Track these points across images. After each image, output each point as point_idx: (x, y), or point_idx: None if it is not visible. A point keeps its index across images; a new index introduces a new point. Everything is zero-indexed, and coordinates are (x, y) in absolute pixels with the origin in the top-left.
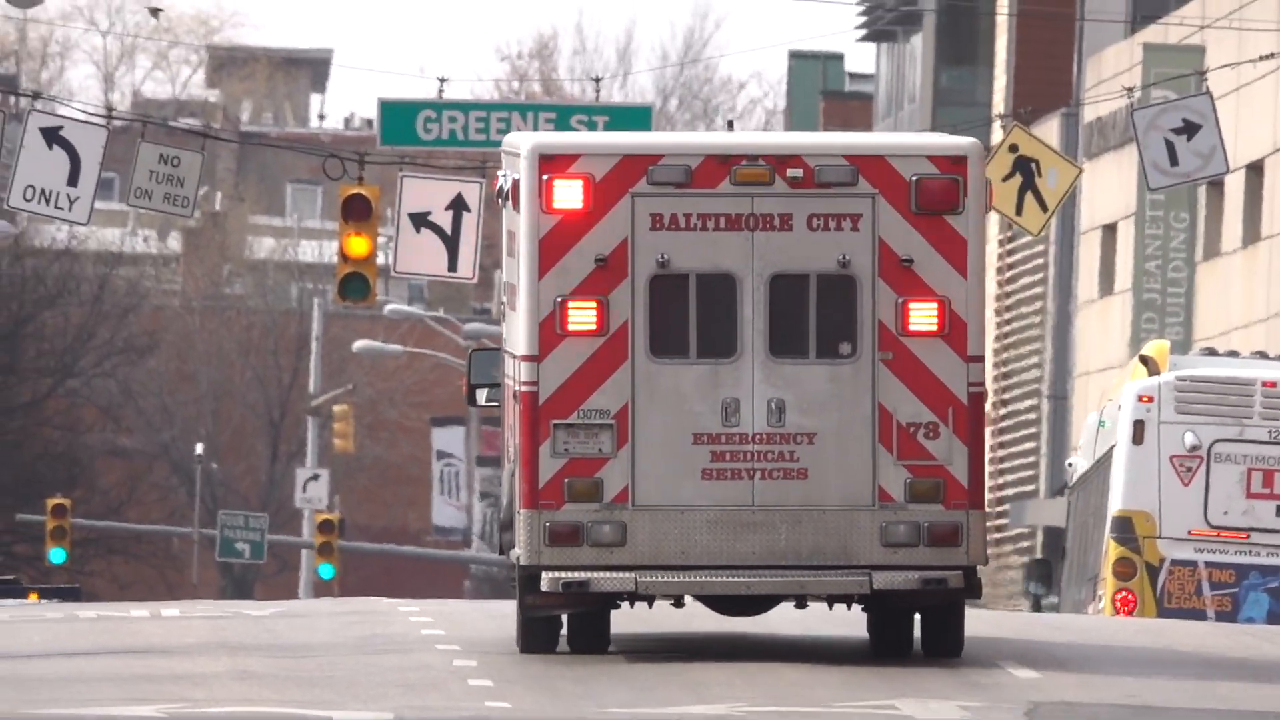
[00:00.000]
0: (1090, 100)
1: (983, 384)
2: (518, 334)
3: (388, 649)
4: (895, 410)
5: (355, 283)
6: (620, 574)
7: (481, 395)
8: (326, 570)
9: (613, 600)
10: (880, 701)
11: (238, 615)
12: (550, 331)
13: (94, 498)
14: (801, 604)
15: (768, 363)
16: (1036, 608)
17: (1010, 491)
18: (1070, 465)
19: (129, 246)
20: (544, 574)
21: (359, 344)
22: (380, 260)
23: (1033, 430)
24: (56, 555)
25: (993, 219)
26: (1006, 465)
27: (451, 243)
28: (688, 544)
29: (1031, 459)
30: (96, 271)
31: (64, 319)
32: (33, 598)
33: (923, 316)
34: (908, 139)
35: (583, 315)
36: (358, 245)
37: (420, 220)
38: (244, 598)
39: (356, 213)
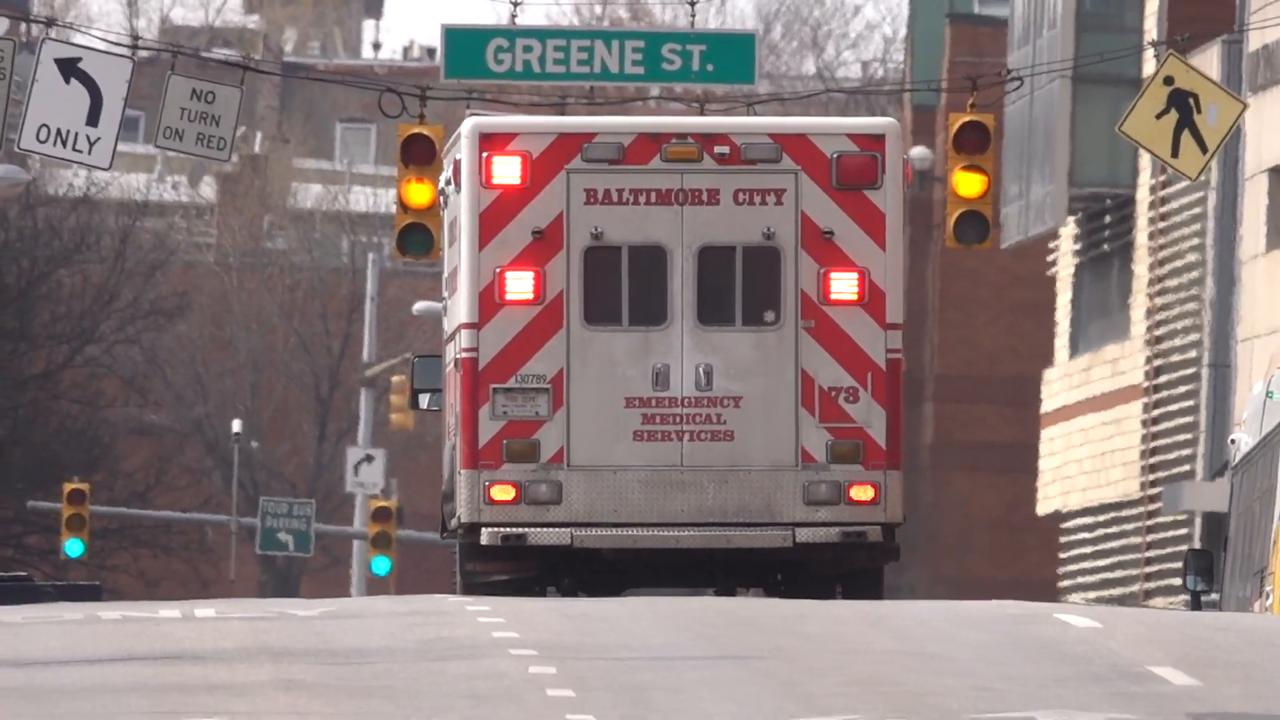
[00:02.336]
0: (1256, 25)
1: (900, 350)
2: (459, 306)
3: (454, 654)
4: (817, 375)
5: (416, 235)
6: (556, 530)
7: (424, 400)
8: (382, 564)
9: (549, 565)
10: (1018, 714)
11: (282, 616)
12: (490, 300)
13: (117, 482)
14: (726, 590)
15: (696, 330)
16: (1196, 605)
17: (1163, 474)
18: (1234, 443)
19: (156, 195)
20: (483, 530)
21: (420, 305)
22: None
23: (1189, 404)
24: (74, 548)
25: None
26: (1159, 444)
27: None
28: (620, 502)
29: (1188, 436)
30: (119, 223)
31: (82, 278)
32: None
33: (843, 286)
34: (829, 120)
35: (520, 285)
36: (419, 193)
37: None
38: (288, 595)
39: (417, 156)
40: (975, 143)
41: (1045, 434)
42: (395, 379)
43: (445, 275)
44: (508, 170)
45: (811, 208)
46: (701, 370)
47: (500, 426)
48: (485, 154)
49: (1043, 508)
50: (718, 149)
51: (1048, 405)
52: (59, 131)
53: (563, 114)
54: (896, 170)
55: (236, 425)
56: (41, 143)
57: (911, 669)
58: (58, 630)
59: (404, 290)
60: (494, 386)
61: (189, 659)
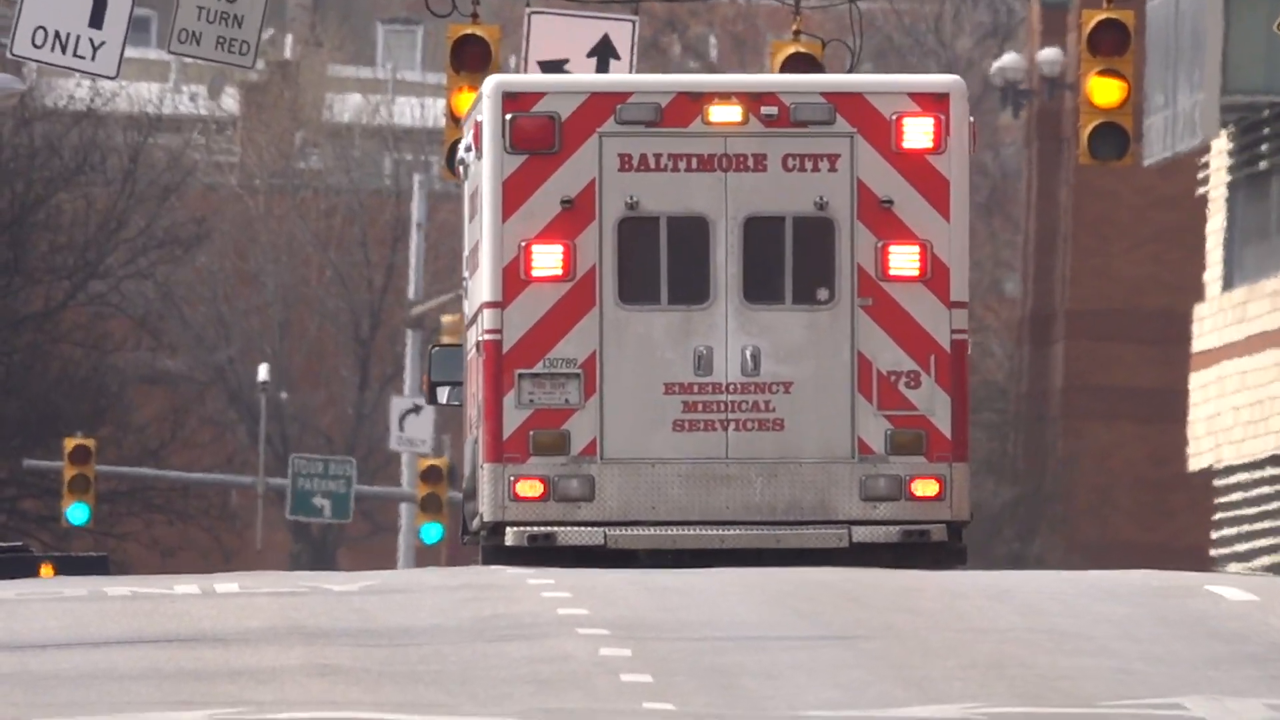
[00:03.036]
0: None
1: (966, 331)
2: (480, 284)
3: (513, 634)
4: (875, 358)
5: None
6: (589, 529)
7: (443, 394)
8: (432, 531)
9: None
10: (1163, 700)
11: (315, 591)
12: (514, 277)
13: (126, 438)
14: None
15: (742, 309)
16: None
17: None
18: None
19: (170, 107)
20: (508, 529)
21: None
22: None
23: None
24: (77, 514)
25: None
26: None
27: None
28: (658, 498)
29: None
30: (128, 140)
31: (85, 203)
32: (46, 571)
33: (904, 261)
34: (888, 78)
35: (548, 260)
36: (471, 103)
37: (554, 70)
38: (324, 567)
39: (470, 61)
40: (1113, 43)
41: (1195, 378)
42: (446, 318)
43: (466, 253)
44: (534, 133)
45: (869, 174)
46: (748, 353)
47: (526, 416)
48: (509, 115)
49: (1194, 463)
50: (765, 110)
51: (1198, 345)
52: (58, 34)
53: (636, 14)
54: (962, 133)
55: (263, 371)
56: (38, 47)
57: (1041, 649)
58: (58, 608)
59: (455, 215)
60: (520, 372)
61: (208, 641)
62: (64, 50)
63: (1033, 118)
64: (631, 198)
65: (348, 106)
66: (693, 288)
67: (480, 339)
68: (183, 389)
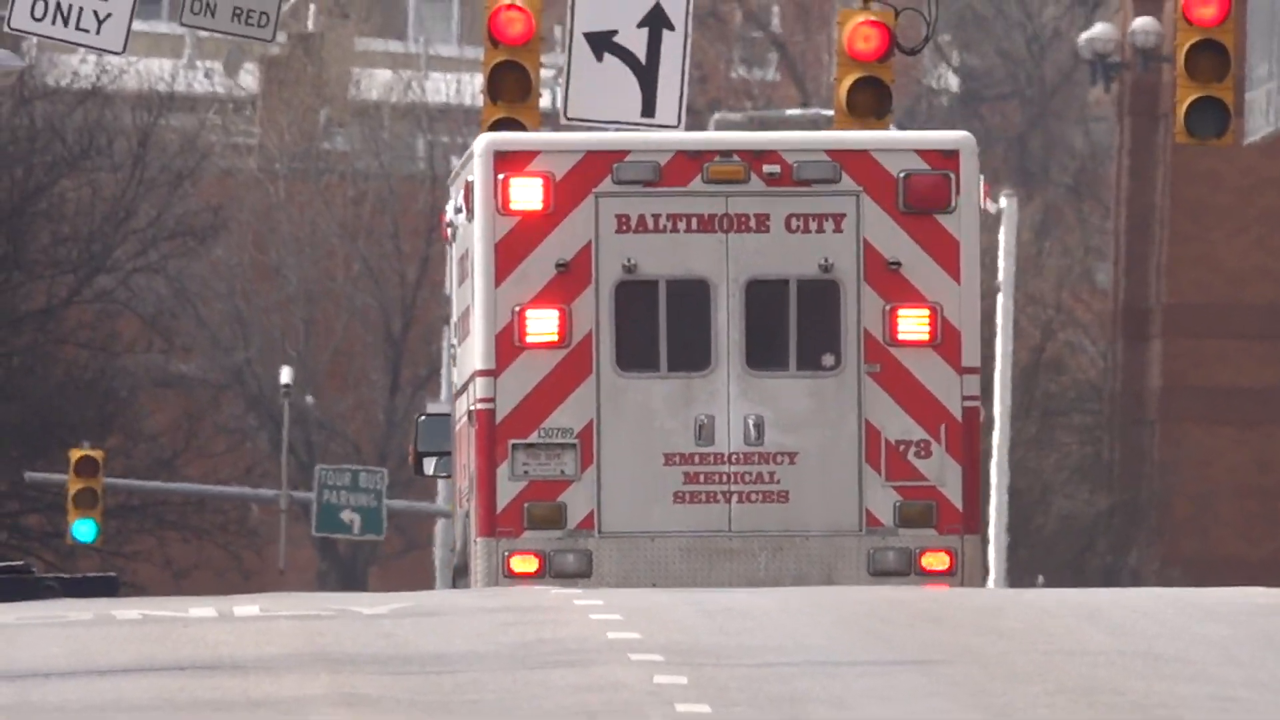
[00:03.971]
0: None
1: (978, 397)
2: (472, 351)
3: (559, 660)
4: (883, 427)
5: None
6: None
7: (430, 465)
8: None
9: None
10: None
11: (342, 614)
12: (508, 344)
13: (137, 447)
14: None
15: (744, 376)
16: None
17: None
18: None
19: (184, 85)
20: None
21: None
22: (544, 102)
23: None
24: (84, 530)
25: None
26: None
27: (647, 75)
28: (659, 574)
29: None
30: (137, 121)
31: (91, 190)
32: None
33: (913, 325)
34: (895, 135)
35: (543, 325)
36: (511, 81)
37: (602, 42)
38: (353, 588)
39: (509, 33)
40: (1213, 11)
41: None
42: None
43: (455, 319)
44: (528, 194)
45: (875, 235)
46: (751, 422)
47: (521, 488)
48: (501, 175)
49: None
50: (767, 168)
51: None
52: (59, 6)
53: None
54: (972, 191)
55: (286, 374)
56: (38, 20)
57: (1135, 673)
58: (62, 633)
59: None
60: (514, 442)
61: (226, 668)
62: (66, 23)
63: (1124, 92)
64: (629, 260)
65: (376, 83)
66: (693, 354)
67: (472, 408)
68: (197, 394)
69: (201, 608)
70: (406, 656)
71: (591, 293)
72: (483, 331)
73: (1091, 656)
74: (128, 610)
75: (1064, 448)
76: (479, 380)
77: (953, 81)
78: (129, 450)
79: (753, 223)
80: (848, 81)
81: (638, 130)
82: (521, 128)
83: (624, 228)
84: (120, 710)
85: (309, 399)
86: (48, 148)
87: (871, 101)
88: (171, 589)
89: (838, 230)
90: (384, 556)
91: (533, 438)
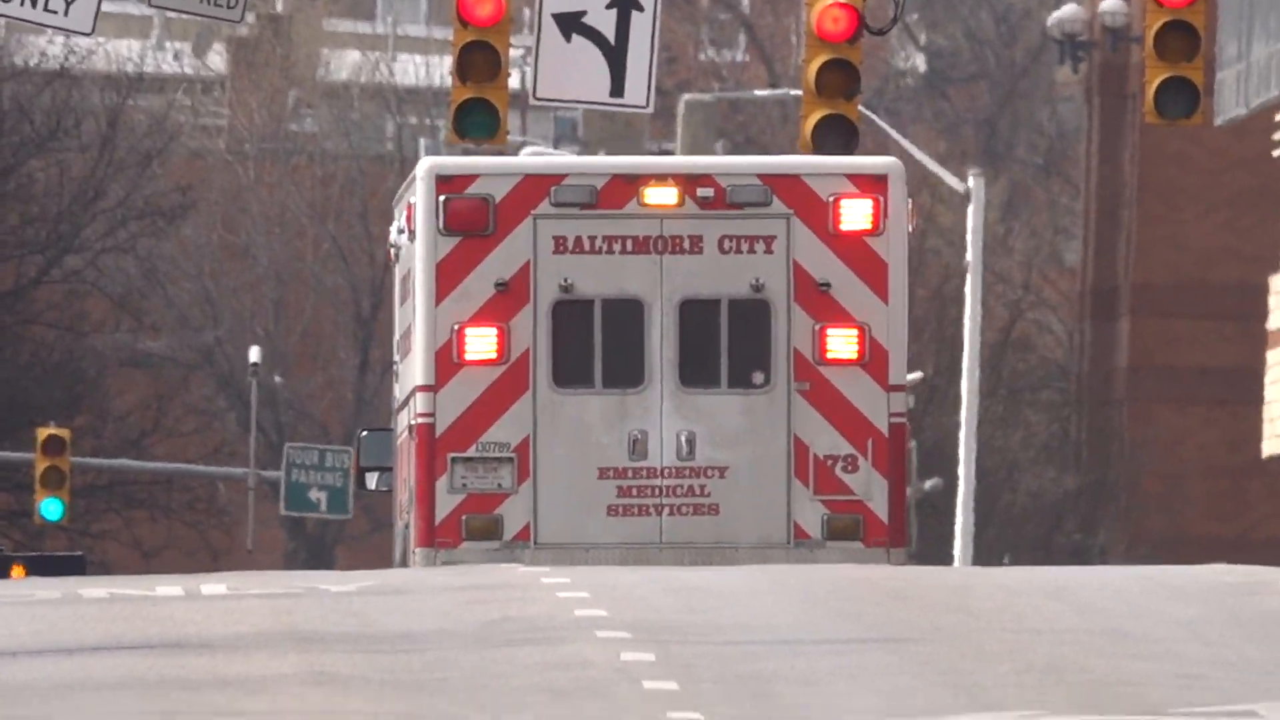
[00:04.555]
0: None
1: (904, 414)
2: (413, 367)
3: (526, 638)
4: (812, 443)
5: (478, 114)
6: None
7: (372, 480)
8: None
9: None
10: (1235, 707)
11: (310, 592)
12: (447, 360)
13: (105, 427)
14: None
15: (677, 393)
16: None
17: None
18: None
19: (153, 66)
20: None
21: None
22: (514, 82)
23: None
24: (51, 509)
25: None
26: None
27: (616, 56)
28: None
29: None
30: (106, 102)
31: (59, 171)
32: (17, 572)
33: (841, 344)
34: (825, 160)
35: (482, 343)
36: (479, 62)
37: (571, 23)
38: (321, 567)
39: (478, 14)
40: None
41: (1272, 356)
42: None
43: (397, 337)
44: (468, 215)
45: (805, 256)
46: (683, 438)
47: (459, 500)
48: (442, 197)
49: (1270, 448)
50: (700, 191)
51: (1276, 320)
52: None
53: None
54: (900, 215)
55: (255, 354)
56: (6, 1)
57: (1102, 652)
58: (29, 612)
59: None
60: (452, 456)
61: (194, 647)
62: (35, 4)
63: (1094, 72)
64: (566, 280)
65: (345, 64)
66: (628, 371)
67: (412, 422)
68: (166, 373)
69: (169, 586)
70: (375, 635)
71: (529, 311)
72: (423, 348)
73: (1059, 635)
74: (95, 589)
75: (1032, 426)
76: (419, 395)
77: (921, 62)
78: (98, 430)
79: (686, 244)
80: (816, 63)
81: (607, 109)
82: (491, 108)
83: (561, 248)
84: (88, 689)
85: (278, 379)
86: (15, 128)
87: (840, 82)
88: (140, 568)
89: (769, 252)
90: (351, 536)
91: (471, 451)
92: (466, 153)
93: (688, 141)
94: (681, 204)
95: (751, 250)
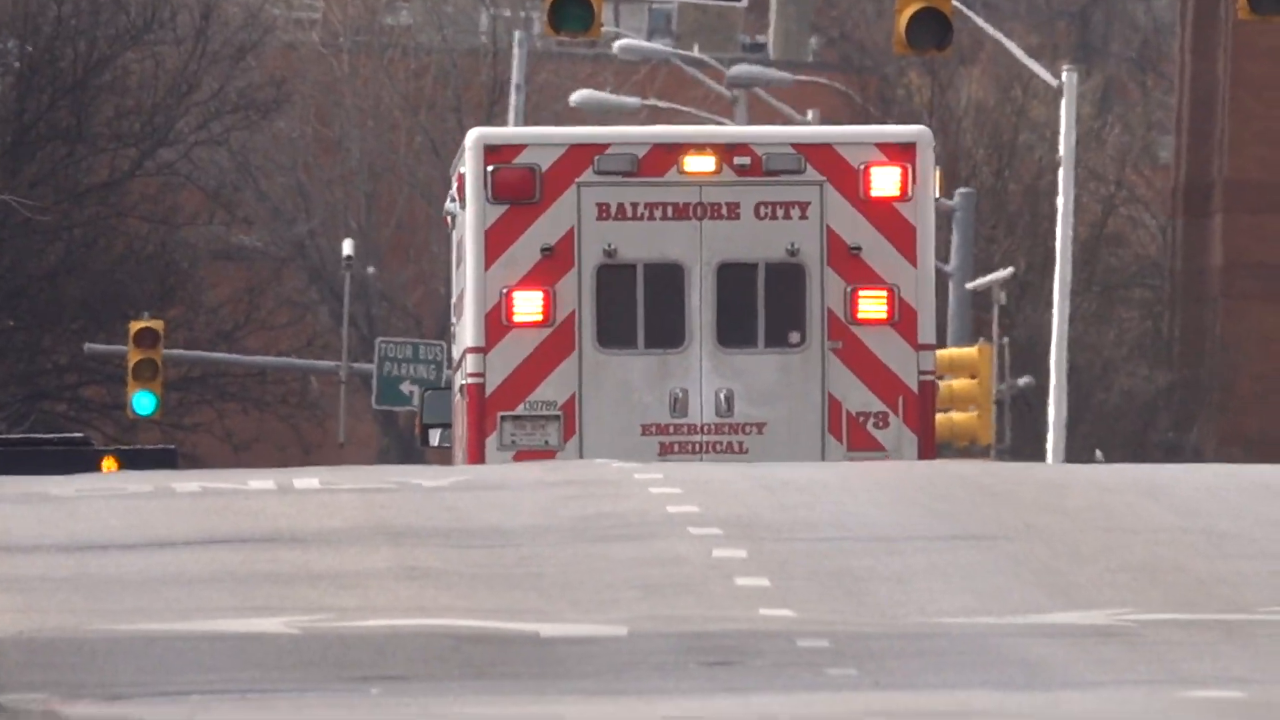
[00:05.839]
0: None
1: (933, 372)
2: (465, 329)
3: (619, 534)
4: (844, 399)
5: (573, 7)
6: None
7: (435, 436)
8: None
9: None
10: None
11: (403, 487)
12: (496, 322)
13: (197, 319)
14: None
15: (716, 353)
16: None
17: None
18: None
19: None
20: None
21: (578, 95)
22: None
23: None
24: (143, 403)
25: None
26: None
27: None
28: None
29: None
30: None
31: (154, 63)
32: (109, 465)
33: (872, 305)
34: (856, 129)
35: (529, 305)
36: None
37: None
38: (413, 461)
39: None
40: None
41: None
42: None
43: (454, 300)
44: (515, 184)
45: (838, 222)
46: (722, 395)
47: (508, 457)
48: (491, 167)
49: None
50: (737, 160)
51: None
52: None
53: None
54: (928, 181)
55: (348, 246)
56: None
57: (1197, 551)
58: (120, 506)
59: (558, 76)
60: (502, 414)
61: (285, 541)
62: None
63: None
64: (609, 245)
65: None
66: (669, 332)
67: (464, 382)
68: (259, 266)
69: (261, 480)
70: (468, 530)
71: (574, 275)
72: (474, 311)
73: (1153, 534)
74: (187, 483)
75: (1124, 323)
76: (470, 356)
77: None
78: (190, 322)
79: (724, 210)
80: None
81: (701, 2)
82: (585, 1)
83: (604, 215)
84: (179, 583)
85: (370, 271)
86: (111, 21)
87: None
88: (231, 462)
89: (803, 218)
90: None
91: (519, 410)
92: (560, 45)
93: (780, 35)
94: (719, 172)
95: (787, 216)
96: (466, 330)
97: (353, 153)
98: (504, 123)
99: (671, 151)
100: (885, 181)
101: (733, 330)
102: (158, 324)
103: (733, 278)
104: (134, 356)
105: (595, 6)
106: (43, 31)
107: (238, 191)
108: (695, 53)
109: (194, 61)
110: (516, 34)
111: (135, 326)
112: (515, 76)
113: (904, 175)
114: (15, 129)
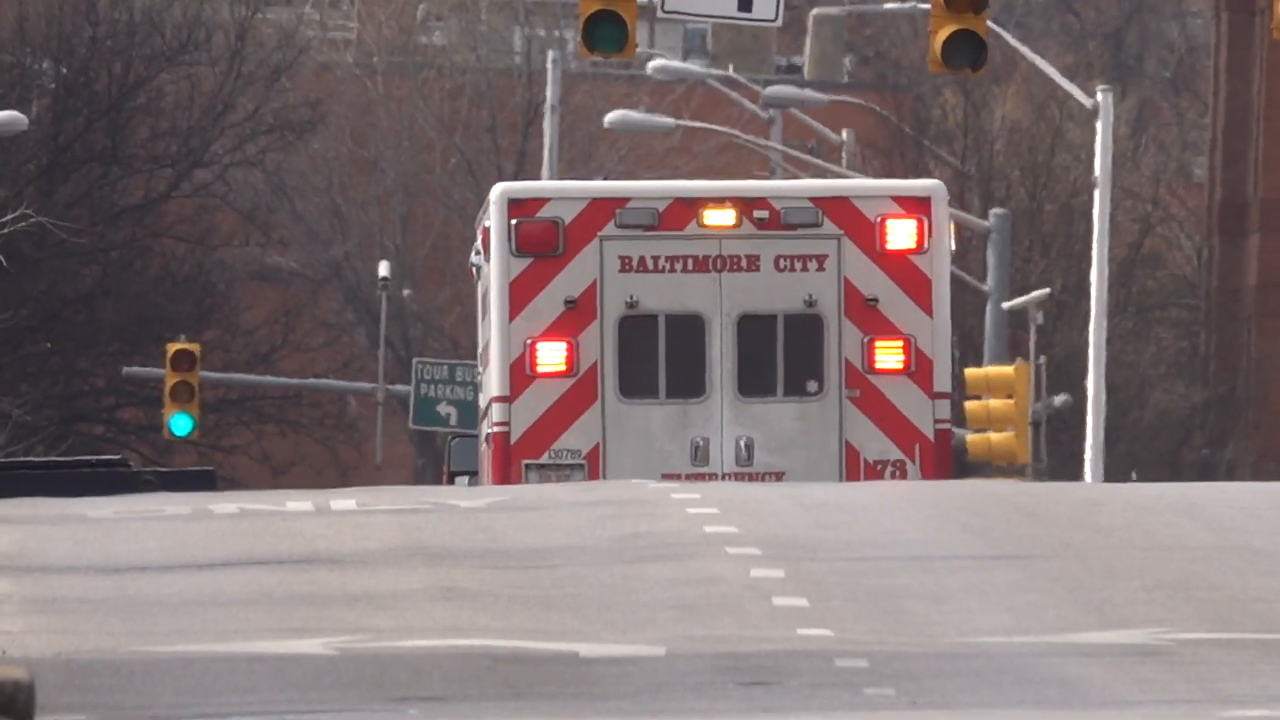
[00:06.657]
0: None
1: (949, 420)
2: (491, 379)
3: (656, 554)
4: (862, 447)
5: (607, 27)
6: None
7: (462, 483)
8: None
9: None
10: None
11: (439, 508)
12: (521, 373)
13: (234, 341)
14: None
15: (736, 402)
16: None
17: None
18: None
19: None
20: None
21: (613, 116)
22: None
23: None
24: (180, 424)
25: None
26: None
27: None
28: None
29: None
30: (235, 16)
31: (189, 84)
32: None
33: (889, 354)
34: (872, 182)
35: (553, 356)
36: None
37: None
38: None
39: None
40: None
41: None
42: None
43: (480, 349)
44: (539, 237)
45: (855, 274)
46: (742, 444)
47: None
48: (515, 220)
49: None
50: (756, 213)
51: None
52: None
53: None
54: (943, 233)
55: (384, 268)
56: None
57: (1232, 569)
58: (159, 527)
59: (592, 96)
60: (526, 462)
61: (323, 563)
62: None
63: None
64: (631, 297)
65: None
66: (690, 382)
67: (490, 431)
68: (295, 288)
69: (299, 502)
70: (505, 551)
71: (597, 327)
72: (499, 361)
73: (1189, 552)
74: (225, 504)
75: (1161, 342)
76: (495, 405)
77: None
78: (227, 344)
79: (744, 263)
80: None
81: (735, 23)
82: (620, 21)
83: (626, 267)
84: (217, 604)
85: (406, 292)
86: (146, 42)
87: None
88: (269, 483)
89: (821, 270)
90: None
91: (544, 458)
92: (595, 66)
93: (816, 55)
94: (739, 225)
95: (805, 268)
96: (492, 380)
97: (388, 174)
98: (538, 147)
99: (692, 205)
100: (901, 234)
101: (752, 380)
102: (194, 346)
103: (752, 328)
104: (171, 379)
105: (629, 27)
106: (78, 53)
107: (273, 213)
108: (730, 73)
109: (229, 83)
110: (550, 54)
111: (172, 349)
112: (550, 97)
113: (919, 228)
114: (51, 151)
